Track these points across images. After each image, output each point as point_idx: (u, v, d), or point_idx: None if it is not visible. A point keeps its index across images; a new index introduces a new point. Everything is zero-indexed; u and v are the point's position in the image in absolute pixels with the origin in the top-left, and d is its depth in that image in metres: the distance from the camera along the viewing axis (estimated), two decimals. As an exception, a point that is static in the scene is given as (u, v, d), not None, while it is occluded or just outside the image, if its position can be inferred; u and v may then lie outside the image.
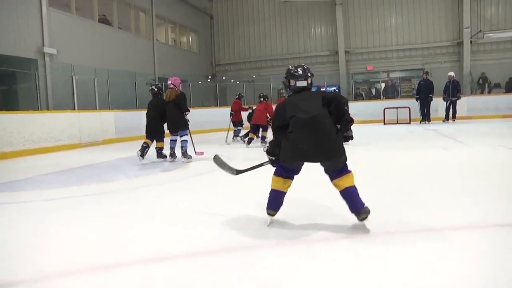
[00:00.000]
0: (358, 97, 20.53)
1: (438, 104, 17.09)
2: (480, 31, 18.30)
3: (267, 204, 3.20)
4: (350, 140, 3.63)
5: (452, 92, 14.90)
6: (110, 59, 15.56)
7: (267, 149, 3.26)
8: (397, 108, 15.80)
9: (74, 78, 12.73)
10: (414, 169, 5.73)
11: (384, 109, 15.88)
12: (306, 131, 2.95)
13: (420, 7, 20.80)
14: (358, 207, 2.94)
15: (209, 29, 24.29)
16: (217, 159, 3.80)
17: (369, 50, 21.64)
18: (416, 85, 16.67)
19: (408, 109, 15.58)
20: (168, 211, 3.95)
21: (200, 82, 21.00)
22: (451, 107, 15.11)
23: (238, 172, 3.67)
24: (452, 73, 15.19)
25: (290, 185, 3.20)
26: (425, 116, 15.26)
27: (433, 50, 20.81)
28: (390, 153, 7.58)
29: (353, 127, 3.98)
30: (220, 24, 24.29)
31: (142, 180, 5.90)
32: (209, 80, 23.34)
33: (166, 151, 7.52)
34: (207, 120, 16.45)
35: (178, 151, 7.40)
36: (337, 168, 3.06)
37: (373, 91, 19.78)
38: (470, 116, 16.86)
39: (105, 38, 15.77)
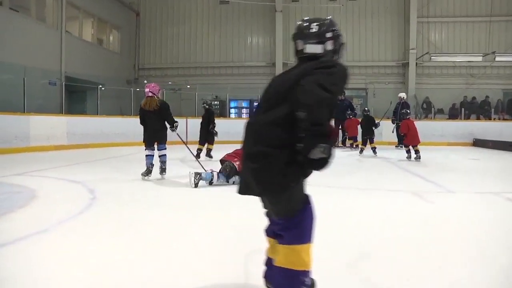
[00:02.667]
0: None
1: (383, 127, 15.63)
2: (428, 52, 17.06)
3: None
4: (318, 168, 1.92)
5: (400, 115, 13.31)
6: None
7: None
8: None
9: None
10: (380, 231, 3.59)
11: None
12: None
13: (366, 24, 19.37)
14: None
15: (134, 27, 21.27)
16: None
17: (311, 64, 19.83)
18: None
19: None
20: None
21: (121, 88, 18.12)
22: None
23: None
24: (403, 94, 13.66)
25: None
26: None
27: (377, 70, 19.41)
28: (341, 197, 5.19)
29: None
30: (147, 22, 21.32)
31: None
32: (130, 86, 20.30)
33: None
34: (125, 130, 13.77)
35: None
36: (276, 216, 2.06)
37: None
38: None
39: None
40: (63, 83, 14.30)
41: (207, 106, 9.90)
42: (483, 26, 18.59)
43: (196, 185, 5.40)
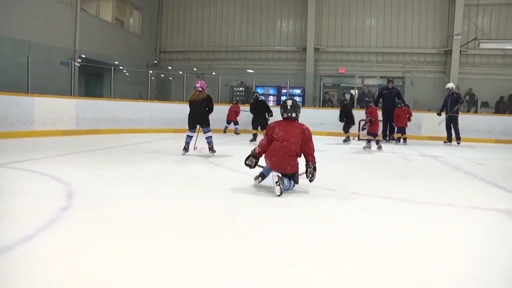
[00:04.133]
0: (326, 103, 17.16)
1: (421, 120, 14.34)
2: (476, 38, 15.50)
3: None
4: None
5: (451, 107, 11.99)
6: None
7: None
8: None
9: None
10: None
11: (359, 121, 12.31)
12: None
13: (405, 8, 17.82)
14: None
15: (156, 8, 20.26)
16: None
17: (343, 50, 18.46)
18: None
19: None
20: None
21: (139, 70, 17.09)
22: (451, 125, 12.19)
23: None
24: (451, 85, 12.25)
25: None
26: (389, 134, 12.48)
27: (416, 57, 17.90)
28: (407, 216, 3.66)
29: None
30: (170, 3, 20.29)
31: None
32: (150, 69, 19.28)
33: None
34: (141, 116, 12.99)
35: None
36: None
37: (347, 96, 16.38)
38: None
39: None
40: (74, 63, 13.30)
41: (259, 98, 11.52)
42: None
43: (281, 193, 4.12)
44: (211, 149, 7.51)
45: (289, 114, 4.44)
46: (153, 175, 5.29)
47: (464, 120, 14.71)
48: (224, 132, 13.61)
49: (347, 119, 12.00)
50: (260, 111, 11.19)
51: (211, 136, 7.57)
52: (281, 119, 4.53)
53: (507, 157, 10.12)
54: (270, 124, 4.65)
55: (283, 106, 4.49)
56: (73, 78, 12.49)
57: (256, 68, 18.59)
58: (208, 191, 4.38)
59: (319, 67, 18.63)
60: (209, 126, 7.63)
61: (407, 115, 12.02)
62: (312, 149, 4.47)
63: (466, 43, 16.91)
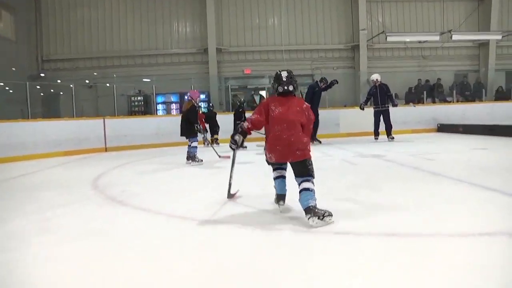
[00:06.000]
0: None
1: (338, 117, 13.62)
2: (383, 32, 15.18)
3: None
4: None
5: (382, 99, 11.20)
6: None
7: None
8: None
9: None
10: None
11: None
12: None
13: (308, 5, 17.22)
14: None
15: (33, 10, 17.46)
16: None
17: (247, 49, 17.27)
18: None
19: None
20: None
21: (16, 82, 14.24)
22: (380, 119, 11.41)
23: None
24: (376, 76, 11.49)
25: None
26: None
27: (324, 54, 17.29)
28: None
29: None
30: (50, 4, 17.64)
31: None
32: (32, 82, 16.37)
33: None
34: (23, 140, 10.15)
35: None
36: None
37: (257, 99, 15.21)
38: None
39: None
40: None
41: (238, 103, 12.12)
42: (437, 6, 17.41)
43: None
44: (189, 158, 7.66)
45: (286, 87, 3.53)
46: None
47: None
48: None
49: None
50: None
51: (193, 147, 7.67)
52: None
53: (445, 148, 9.46)
54: (262, 100, 3.98)
55: (276, 78, 3.60)
56: None
57: (154, 74, 16.73)
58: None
59: (223, 69, 17.26)
60: (193, 136, 7.67)
61: None
62: (309, 135, 3.61)
63: (372, 37, 16.69)
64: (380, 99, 11.19)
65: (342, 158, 7.66)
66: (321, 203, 3.19)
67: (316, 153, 8.34)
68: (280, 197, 3.68)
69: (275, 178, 3.71)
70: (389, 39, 14.89)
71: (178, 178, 6.25)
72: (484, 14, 17.67)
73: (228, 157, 7.41)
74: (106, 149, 11.84)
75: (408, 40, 16.25)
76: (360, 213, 3.45)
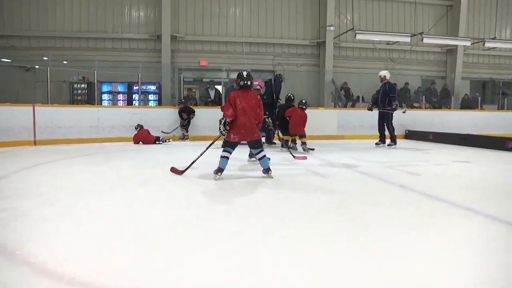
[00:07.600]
0: (191, 101, 14.04)
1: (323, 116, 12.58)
2: (352, 28, 14.13)
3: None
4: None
5: (382, 99, 10.14)
6: None
7: None
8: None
9: None
10: None
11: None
12: None
13: (272, -6, 15.99)
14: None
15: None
16: None
17: (204, 39, 15.72)
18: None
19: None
20: None
21: None
22: (383, 123, 10.36)
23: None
24: (385, 72, 10.35)
25: None
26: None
27: (287, 49, 16.06)
28: None
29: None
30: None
31: None
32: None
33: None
34: None
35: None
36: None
37: (212, 94, 13.69)
38: (342, 136, 12.91)
39: None
40: None
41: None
42: (407, 7, 16.74)
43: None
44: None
45: (245, 82, 5.05)
46: None
47: (346, 115, 13.50)
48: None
49: None
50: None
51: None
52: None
53: (423, 158, 8.39)
54: (230, 94, 5.05)
55: (239, 76, 5.08)
56: None
57: (101, 60, 14.93)
58: None
59: (177, 58, 15.68)
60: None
61: None
62: (262, 116, 5.17)
63: (339, 34, 15.65)
64: (380, 99, 10.16)
65: (310, 168, 6.26)
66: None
67: (277, 158, 7.08)
68: (219, 170, 4.99)
69: (222, 156, 5.02)
70: (358, 37, 13.91)
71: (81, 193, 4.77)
72: (453, 21, 17.11)
73: (305, 157, 7.33)
74: (35, 142, 10.17)
75: (378, 39, 15.35)
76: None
